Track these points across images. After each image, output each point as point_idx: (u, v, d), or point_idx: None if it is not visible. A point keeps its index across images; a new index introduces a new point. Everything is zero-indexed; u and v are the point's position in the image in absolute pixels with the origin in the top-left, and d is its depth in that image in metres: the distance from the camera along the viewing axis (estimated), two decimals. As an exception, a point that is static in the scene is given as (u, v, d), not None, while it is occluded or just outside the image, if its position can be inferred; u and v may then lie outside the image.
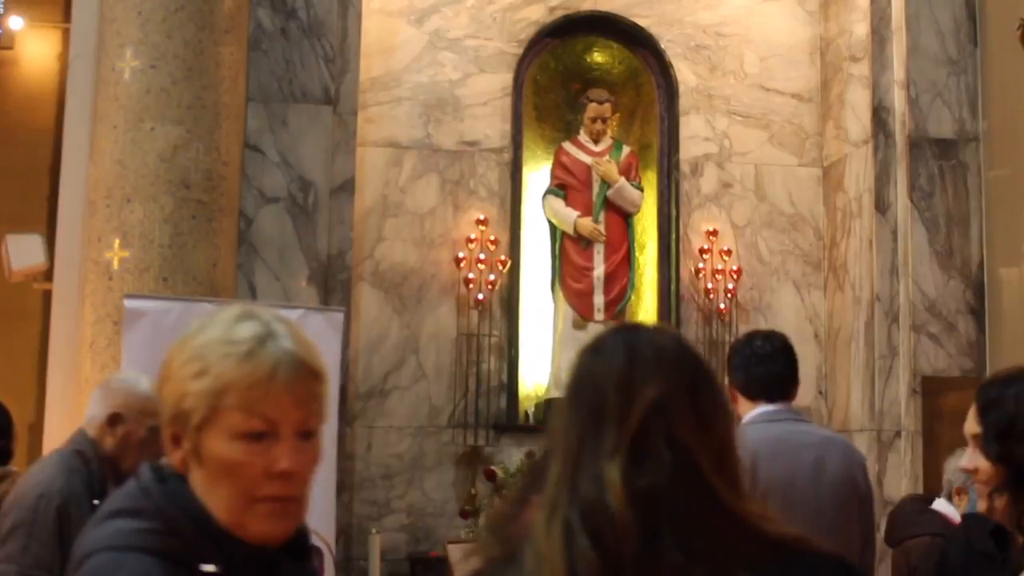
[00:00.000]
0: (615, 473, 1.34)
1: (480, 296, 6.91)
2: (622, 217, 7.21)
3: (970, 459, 2.17)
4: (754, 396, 3.35)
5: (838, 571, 1.41)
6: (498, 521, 1.52)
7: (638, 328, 1.50)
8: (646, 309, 7.38)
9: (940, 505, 4.17)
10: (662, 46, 7.46)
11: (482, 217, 7.08)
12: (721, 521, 1.34)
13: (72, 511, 3.03)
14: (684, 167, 7.41)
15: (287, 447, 1.49)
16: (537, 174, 7.36)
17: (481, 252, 6.99)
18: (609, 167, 7.14)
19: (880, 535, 4.47)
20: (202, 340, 1.53)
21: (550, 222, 7.23)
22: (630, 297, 7.18)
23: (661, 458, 1.35)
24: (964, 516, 3.76)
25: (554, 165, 7.27)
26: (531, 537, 1.37)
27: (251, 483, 1.48)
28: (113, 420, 3.20)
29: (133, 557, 1.44)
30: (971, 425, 2.18)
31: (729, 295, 7.23)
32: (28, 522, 3.00)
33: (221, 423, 1.49)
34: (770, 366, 3.36)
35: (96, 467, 3.14)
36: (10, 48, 6.46)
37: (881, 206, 6.68)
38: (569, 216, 7.12)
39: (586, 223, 7.09)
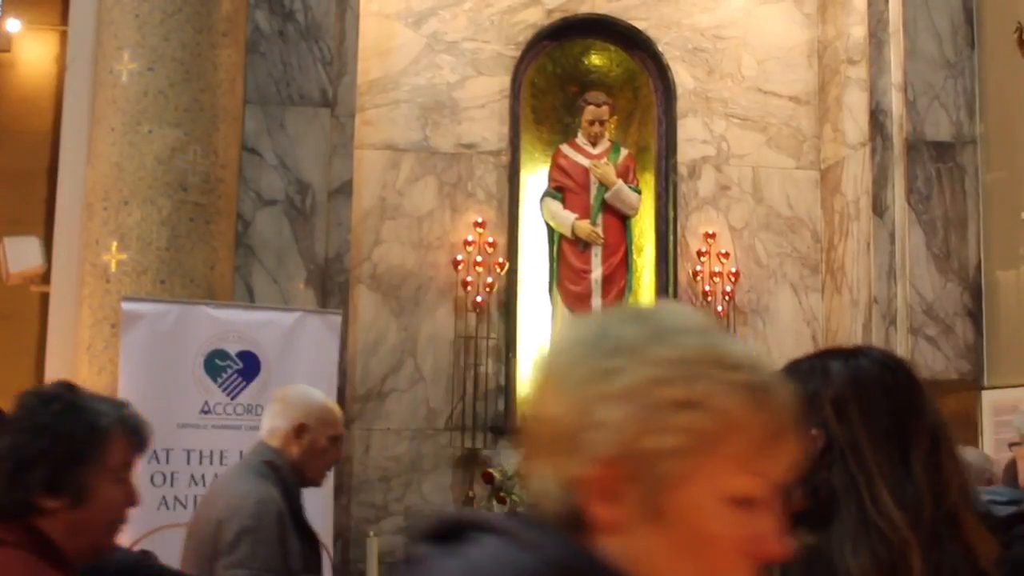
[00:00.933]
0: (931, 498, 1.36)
1: (478, 299, 6.91)
2: (620, 220, 7.21)
3: None
4: None
5: None
6: None
7: (893, 354, 1.52)
8: (644, 312, 7.37)
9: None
10: (660, 49, 7.46)
11: (480, 220, 7.08)
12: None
13: (284, 517, 3.22)
14: (682, 169, 7.41)
15: (776, 523, 1.09)
16: (535, 177, 7.36)
17: (479, 255, 6.99)
18: (607, 170, 7.14)
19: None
20: (679, 353, 1.08)
21: (548, 224, 7.23)
22: (628, 300, 7.18)
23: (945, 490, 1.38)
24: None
25: (552, 168, 7.27)
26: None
27: (722, 564, 1.08)
28: (299, 430, 3.36)
29: None
30: None
31: (727, 297, 7.23)
32: (253, 529, 3.14)
33: (709, 477, 1.06)
34: None
35: (287, 475, 3.31)
36: (7, 51, 6.45)
37: (879, 209, 6.68)
38: (567, 218, 7.12)
39: (584, 225, 7.09)
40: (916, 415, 1.39)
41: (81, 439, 1.95)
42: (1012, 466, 3.93)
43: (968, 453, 4.14)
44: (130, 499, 2.02)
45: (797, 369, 1.45)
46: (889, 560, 1.30)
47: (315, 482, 3.48)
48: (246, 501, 3.20)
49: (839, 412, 1.38)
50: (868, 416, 1.37)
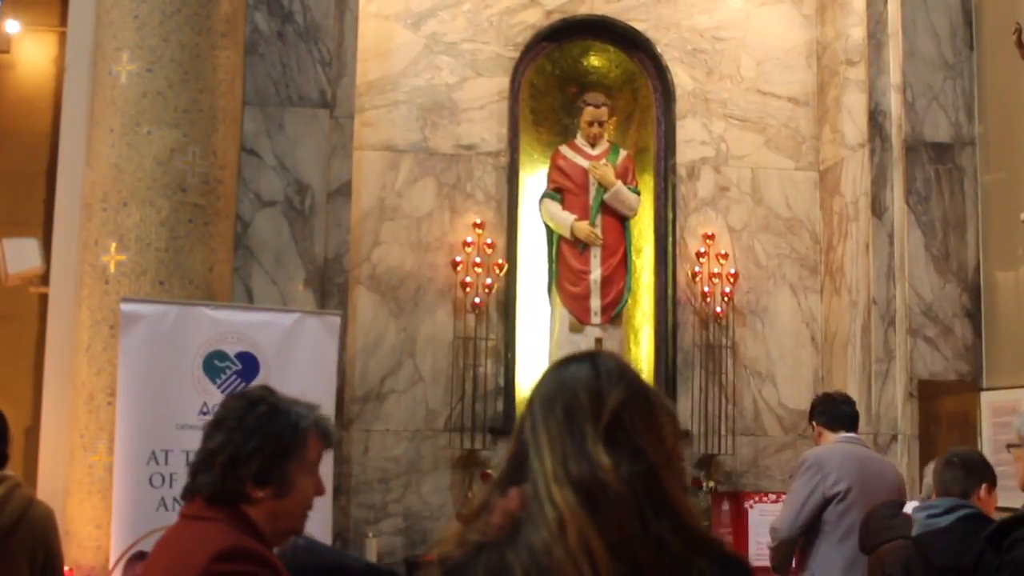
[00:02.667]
0: (605, 458, 1.56)
1: (477, 300, 6.92)
2: (619, 221, 7.21)
3: None
4: (836, 428, 4.95)
5: (745, 571, 1.68)
6: (472, 513, 1.63)
7: (595, 352, 1.75)
8: (643, 312, 7.38)
9: (912, 509, 4.17)
10: (659, 50, 7.47)
11: (479, 221, 7.08)
12: (677, 509, 1.60)
13: None
14: (681, 171, 7.41)
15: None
16: (534, 178, 7.36)
17: (478, 256, 6.99)
18: (606, 171, 7.14)
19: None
20: None
21: (547, 226, 7.23)
22: (627, 301, 7.18)
23: (634, 450, 1.59)
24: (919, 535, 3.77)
25: (551, 169, 7.27)
26: (533, 515, 1.54)
27: None
28: None
29: None
30: None
31: (726, 298, 7.24)
32: None
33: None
34: (847, 408, 5.05)
35: None
36: (6, 52, 6.45)
37: (877, 210, 6.69)
38: (566, 220, 7.12)
39: (583, 227, 7.09)
40: (593, 402, 1.62)
41: (286, 438, 2.25)
42: (943, 471, 3.93)
43: (970, 456, 4.14)
44: (319, 489, 2.32)
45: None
46: (549, 531, 1.52)
47: None
48: None
49: (531, 415, 1.64)
50: (545, 412, 1.63)
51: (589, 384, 1.64)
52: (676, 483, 1.64)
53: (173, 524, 2.33)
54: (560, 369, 1.70)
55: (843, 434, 4.93)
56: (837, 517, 4.70)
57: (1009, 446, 3.60)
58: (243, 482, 2.21)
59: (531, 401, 1.67)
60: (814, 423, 5.06)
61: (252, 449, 2.22)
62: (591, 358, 1.70)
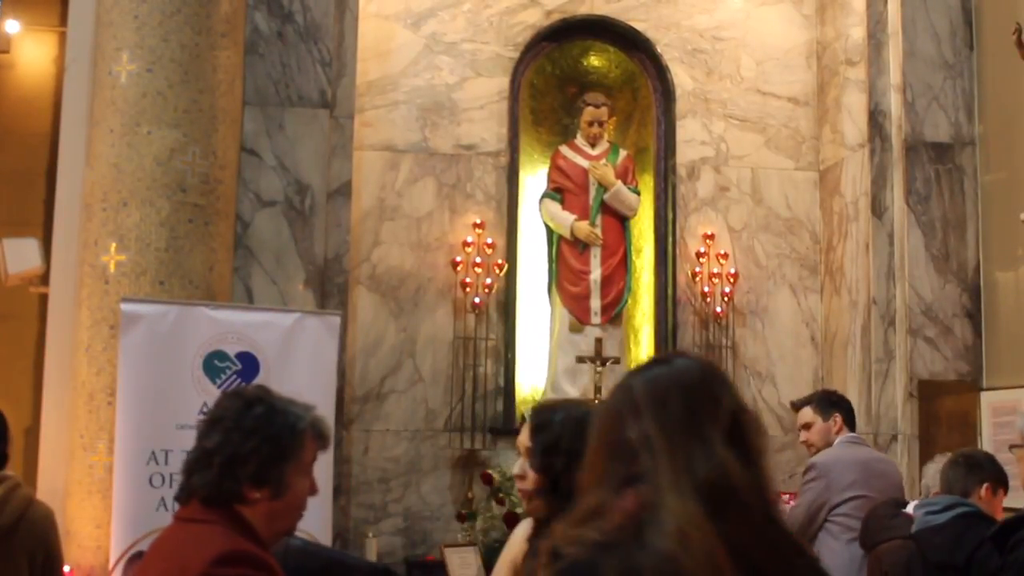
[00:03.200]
0: (732, 460, 1.54)
1: (477, 300, 6.92)
2: (619, 221, 7.21)
3: (519, 467, 2.61)
4: (851, 427, 5.03)
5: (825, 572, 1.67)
6: (587, 513, 1.58)
7: (684, 352, 1.77)
8: (643, 313, 7.39)
9: (913, 507, 4.18)
10: (659, 50, 7.47)
11: (479, 221, 7.08)
12: (779, 511, 1.61)
13: None
14: (681, 171, 7.41)
15: None
16: (534, 178, 7.36)
17: (478, 256, 6.99)
18: (606, 171, 7.14)
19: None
20: None
21: (547, 226, 7.23)
22: (627, 301, 7.19)
23: (748, 452, 1.57)
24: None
25: (551, 169, 7.27)
26: (655, 519, 1.49)
27: None
28: None
29: None
30: (524, 439, 2.59)
31: (726, 299, 7.24)
32: None
33: None
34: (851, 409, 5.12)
35: None
36: (6, 52, 6.45)
37: (877, 210, 6.69)
38: (566, 220, 7.12)
39: (583, 227, 7.09)
40: (712, 403, 1.59)
41: (284, 440, 2.24)
42: (948, 469, 3.95)
43: (977, 454, 4.15)
44: (313, 490, 2.31)
45: (614, 388, 1.71)
46: (673, 539, 1.48)
47: None
48: None
49: (637, 415, 1.59)
50: (660, 412, 1.58)
51: (704, 383, 1.62)
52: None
53: (168, 526, 2.31)
54: (664, 367, 1.66)
55: (848, 434, 4.95)
56: (844, 518, 4.70)
57: (1012, 447, 3.61)
58: (240, 483, 2.19)
59: (631, 399, 1.62)
60: (838, 416, 4.97)
61: (250, 450, 2.20)
62: (689, 357, 1.68)
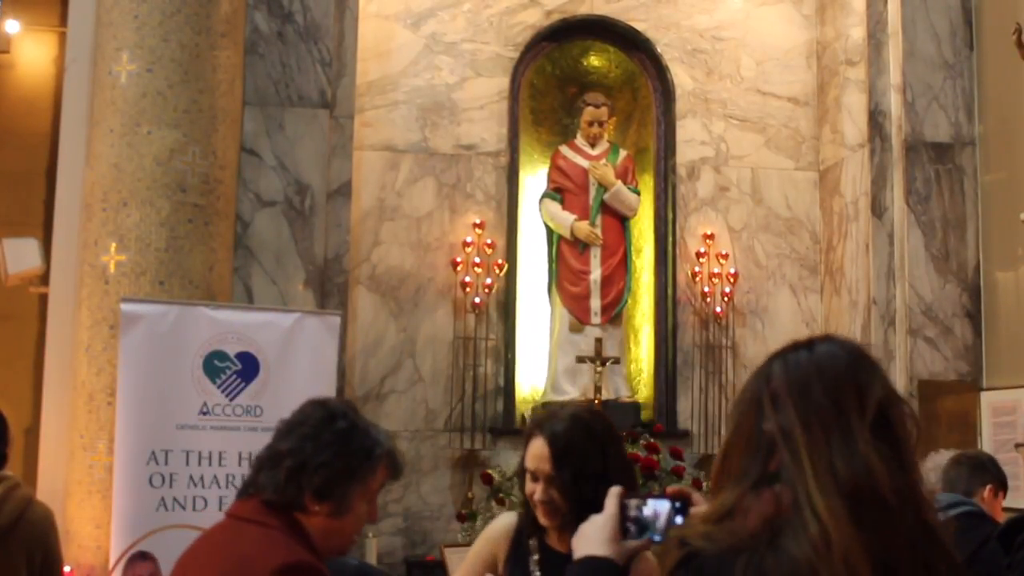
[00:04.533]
0: (878, 461, 1.39)
1: (477, 300, 6.92)
2: (619, 221, 7.21)
3: (542, 493, 2.55)
4: None
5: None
6: (722, 513, 1.47)
7: (832, 335, 1.56)
8: (642, 313, 7.39)
9: None
10: (659, 50, 7.47)
11: (479, 221, 7.08)
12: (939, 531, 1.46)
13: None
14: (681, 171, 7.41)
15: None
16: (534, 178, 7.36)
17: (478, 256, 6.99)
18: (606, 171, 7.14)
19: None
20: None
21: (547, 226, 7.23)
22: (626, 301, 7.19)
23: (898, 454, 1.42)
24: None
25: (551, 169, 7.27)
26: (794, 523, 1.37)
27: None
28: None
29: None
30: (542, 465, 2.54)
31: (726, 299, 7.24)
32: None
33: None
34: None
35: None
36: (6, 52, 6.45)
37: (877, 210, 6.69)
38: (566, 220, 7.12)
39: (583, 227, 7.09)
40: (858, 394, 1.44)
41: (357, 461, 2.20)
42: (950, 469, 3.96)
43: (980, 455, 4.16)
44: (372, 517, 2.31)
45: (753, 373, 1.57)
46: (812, 546, 1.37)
47: None
48: None
49: (776, 405, 1.45)
50: (802, 403, 1.44)
51: (849, 372, 1.46)
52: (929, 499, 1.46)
53: (220, 522, 2.25)
54: (806, 352, 1.51)
55: None
56: None
57: (1018, 445, 3.61)
58: (302, 492, 2.15)
59: (772, 387, 1.48)
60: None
61: (320, 462, 2.16)
62: (836, 341, 1.53)
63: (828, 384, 1.44)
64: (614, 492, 1.68)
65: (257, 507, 2.17)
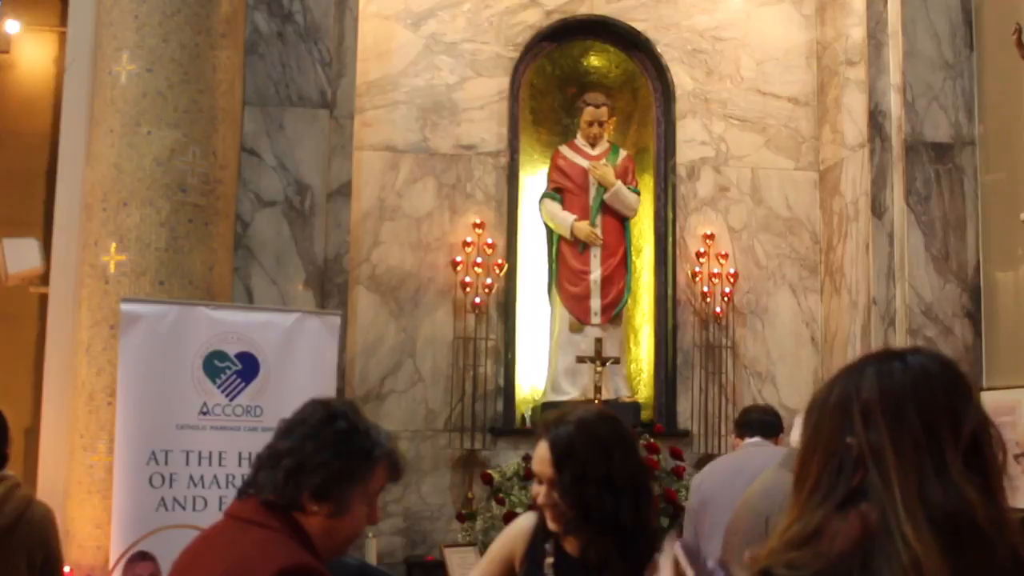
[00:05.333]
0: (972, 491, 1.33)
1: (477, 300, 6.92)
2: (619, 221, 7.21)
3: (546, 497, 2.55)
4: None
5: None
6: (805, 535, 1.39)
7: (925, 349, 1.49)
8: (642, 313, 7.39)
9: None
10: (659, 50, 7.47)
11: (479, 221, 7.08)
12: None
13: None
14: (681, 171, 7.42)
15: None
16: (534, 178, 7.36)
17: (478, 256, 6.99)
18: (606, 171, 7.14)
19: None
20: None
21: (547, 226, 7.23)
22: (626, 301, 7.19)
23: (989, 484, 1.36)
24: None
25: (551, 169, 7.27)
26: (884, 548, 1.32)
27: None
28: None
29: None
30: (545, 469, 2.54)
31: (726, 299, 7.24)
32: None
33: None
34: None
35: None
36: (6, 52, 6.45)
37: (877, 210, 6.69)
38: (566, 220, 7.12)
39: (583, 227, 7.09)
40: (952, 419, 1.37)
41: (357, 462, 2.19)
42: None
43: None
44: (373, 519, 2.29)
45: (840, 374, 1.48)
46: (904, 574, 1.31)
47: None
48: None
49: (866, 420, 1.38)
50: (895, 423, 1.37)
51: (946, 395, 1.39)
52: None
53: (218, 523, 2.24)
54: (900, 365, 1.42)
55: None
56: None
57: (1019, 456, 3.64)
58: (301, 491, 2.14)
59: (864, 400, 1.40)
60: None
61: (319, 462, 2.15)
62: (929, 355, 1.45)
63: (923, 407, 1.37)
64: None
65: (256, 508, 2.16)
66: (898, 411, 1.37)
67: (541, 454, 2.55)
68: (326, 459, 2.16)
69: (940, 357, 1.45)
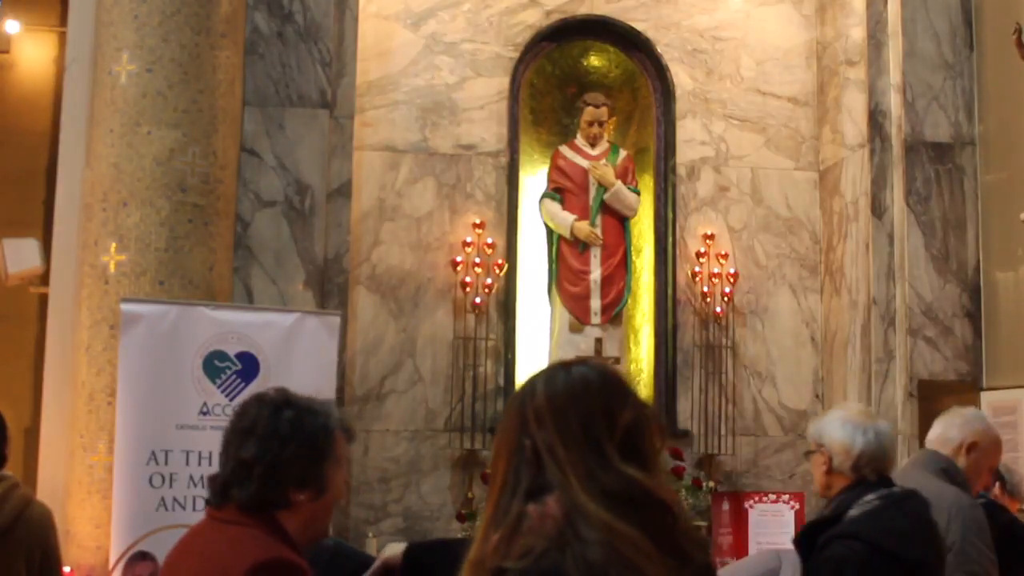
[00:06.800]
0: (635, 471, 1.59)
1: (477, 300, 6.91)
2: (619, 221, 7.21)
3: None
4: None
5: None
6: (515, 525, 1.58)
7: (593, 360, 1.76)
8: (642, 313, 7.38)
9: None
10: (659, 50, 7.46)
11: (479, 221, 7.08)
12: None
13: None
14: (681, 171, 7.41)
15: None
16: (534, 178, 7.36)
17: (478, 256, 6.99)
18: (606, 171, 7.14)
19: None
20: None
21: (547, 226, 7.23)
22: (626, 301, 7.18)
23: (646, 462, 1.62)
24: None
25: (551, 169, 7.27)
26: (576, 528, 1.54)
27: None
28: (971, 447, 3.66)
29: None
30: None
31: (726, 299, 7.23)
32: (976, 530, 3.41)
33: None
34: None
35: (961, 483, 3.56)
36: (6, 52, 6.45)
37: (877, 210, 6.69)
38: (566, 220, 7.12)
39: (583, 227, 7.09)
40: (608, 419, 1.61)
41: (320, 440, 2.23)
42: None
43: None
44: (347, 481, 2.37)
45: (522, 385, 1.73)
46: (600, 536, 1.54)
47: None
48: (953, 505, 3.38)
49: (539, 422, 1.62)
50: (560, 424, 1.61)
51: (600, 398, 1.64)
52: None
53: (199, 523, 2.27)
54: (564, 375, 1.68)
55: None
56: None
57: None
58: (284, 488, 2.18)
59: (534, 404, 1.64)
60: None
61: (291, 455, 2.18)
62: (592, 367, 1.70)
63: (582, 411, 1.62)
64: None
65: (234, 510, 2.19)
66: (563, 414, 1.61)
67: None
68: (295, 451, 2.19)
69: (601, 367, 1.70)
